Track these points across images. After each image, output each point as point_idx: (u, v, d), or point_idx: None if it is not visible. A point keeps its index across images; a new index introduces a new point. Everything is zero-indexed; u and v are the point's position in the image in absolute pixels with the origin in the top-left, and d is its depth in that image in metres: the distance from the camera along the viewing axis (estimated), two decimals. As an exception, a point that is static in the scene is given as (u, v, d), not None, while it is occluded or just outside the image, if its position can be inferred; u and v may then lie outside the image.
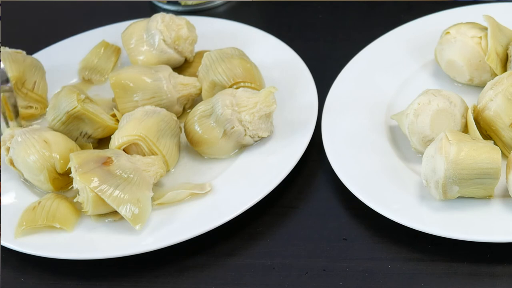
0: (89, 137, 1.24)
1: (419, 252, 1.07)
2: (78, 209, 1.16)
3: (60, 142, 1.20)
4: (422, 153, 1.12)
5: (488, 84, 1.15)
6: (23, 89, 1.31)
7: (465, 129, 1.15)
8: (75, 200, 1.14)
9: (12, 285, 1.12)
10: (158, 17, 1.33)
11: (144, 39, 1.33)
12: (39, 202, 1.16)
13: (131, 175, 1.13)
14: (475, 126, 1.13)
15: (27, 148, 1.18)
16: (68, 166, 1.16)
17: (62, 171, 1.19)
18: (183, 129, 1.23)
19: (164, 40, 1.32)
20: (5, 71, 1.25)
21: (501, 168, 1.06)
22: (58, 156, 1.18)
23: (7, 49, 1.34)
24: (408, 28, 1.35)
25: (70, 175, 1.16)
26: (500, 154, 1.06)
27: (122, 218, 1.13)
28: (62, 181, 1.20)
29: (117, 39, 1.39)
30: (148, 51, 1.32)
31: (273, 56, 1.34)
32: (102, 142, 1.26)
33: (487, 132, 1.15)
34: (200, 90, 1.28)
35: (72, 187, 1.16)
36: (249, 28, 1.40)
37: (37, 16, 1.60)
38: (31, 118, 1.32)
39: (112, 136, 1.20)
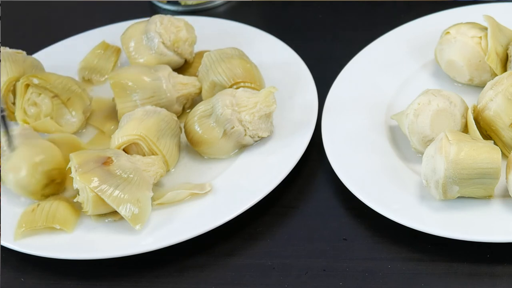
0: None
1: (419, 252, 1.07)
2: (78, 210, 1.16)
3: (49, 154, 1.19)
4: (422, 153, 1.12)
5: (488, 84, 1.15)
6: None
7: (465, 129, 1.15)
8: (75, 200, 1.14)
9: (12, 285, 1.12)
10: (156, 19, 1.33)
11: (143, 42, 1.33)
12: (38, 204, 1.16)
13: (131, 175, 1.13)
14: (475, 126, 1.13)
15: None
16: (68, 166, 1.16)
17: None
18: (183, 129, 1.23)
19: (163, 43, 1.32)
20: None
21: (501, 168, 1.06)
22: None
23: (7, 49, 1.34)
24: (408, 28, 1.35)
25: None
26: (500, 154, 1.06)
27: (122, 218, 1.13)
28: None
29: (117, 39, 1.39)
30: (148, 54, 1.32)
31: (273, 56, 1.34)
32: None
33: (487, 132, 1.15)
34: (200, 89, 1.28)
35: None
36: (249, 28, 1.40)
37: (37, 16, 1.60)
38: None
39: (112, 136, 1.20)
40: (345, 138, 1.19)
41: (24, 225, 1.14)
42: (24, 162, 1.16)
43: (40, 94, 1.26)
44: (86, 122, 1.30)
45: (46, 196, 1.18)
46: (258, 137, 1.20)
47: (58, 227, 1.13)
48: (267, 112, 1.19)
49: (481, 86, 1.23)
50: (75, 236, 1.13)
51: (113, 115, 1.30)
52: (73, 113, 1.27)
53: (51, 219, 1.13)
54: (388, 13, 1.44)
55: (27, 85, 1.26)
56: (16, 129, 1.22)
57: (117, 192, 1.12)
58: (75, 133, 1.29)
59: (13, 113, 1.30)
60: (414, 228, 1.06)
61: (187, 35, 1.33)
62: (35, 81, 1.25)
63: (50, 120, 1.25)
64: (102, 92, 1.36)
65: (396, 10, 1.44)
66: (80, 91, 1.28)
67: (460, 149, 1.05)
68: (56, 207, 1.15)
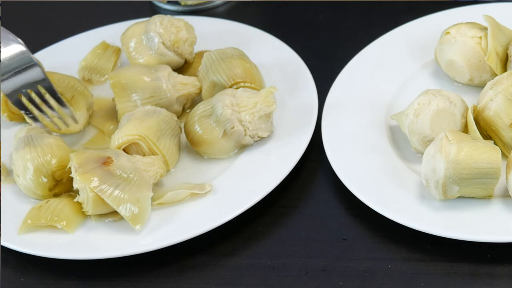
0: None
1: (419, 252, 1.07)
2: (83, 211, 1.16)
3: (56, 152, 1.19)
4: (422, 153, 1.12)
5: (488, 84, 1.15)
6: (23, 90, 1.31)
7: (465, 129, 1.15)
8: (75, 200, 1.14)
9: (12, 285, 1.12)
10: (156, 19, 1.32)
11: (143, 42, 1.32)
12: (47, 201, 1.16)
13: (131, 175, 1.13)
14: (475, 126, 1.13)
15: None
16: (68, 166, 1.16)
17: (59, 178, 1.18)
18: (183, 129, 1.23)
19: (163, 43, 1.31)
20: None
21: (501, 168, 1.06)
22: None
23: (7, 49, 1.34)
24: (408, 28, 1.35)
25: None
26: (500, 154, 1.06)
27: (122, 218, 1.13)
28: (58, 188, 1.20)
29: (117, 39, 1.39)
30: (148, 54, 1.32)
31: (273, 56, 1.34)
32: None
33: (487, 132, 1.15)
34: (200, 89, 1.28)
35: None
36: (249, 28, 1.40)
37: (37, 16, 1.60)
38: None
39: (112, 136, 1.20)
40: (345, 138, 1.19)
41: (29, 221, 1.14)
42: (28, 166, 1.16)
43: (45, 93, 1.26)
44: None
45: (57, 195, 1.18)
46: (258, 137, 1.20)
47: (59, 227, 1.13)
48: (267, 112, 1.19)
49: (481, 86, 1.23)
50: (75, 236, 1.13)
51: (113, 115, 1.30)
52: (78, 111, 1.28)
53: (54, 218, 1.13)
54: (388, 13, 1.44)
55: None
56: (23, 129, 1.22)
57: (117, 192, 1.12)
58: (80, 131, 1.29)
59: (14, 113, 1.30)
60: (414, 228, 1.06)
61: (187, 35, 1.33)
62: None
63: (58, 119, 1.26)
64: (102, 92, 1.36)
65: (396, 10, 1.44)
66: (82, 88, 1.29)
67: (460, 149, 1.05)
68: (62, 206, 1.15)
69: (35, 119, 1.26)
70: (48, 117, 1.25)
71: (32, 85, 1.25)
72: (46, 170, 1.17)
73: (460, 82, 1.26)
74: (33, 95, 1.25)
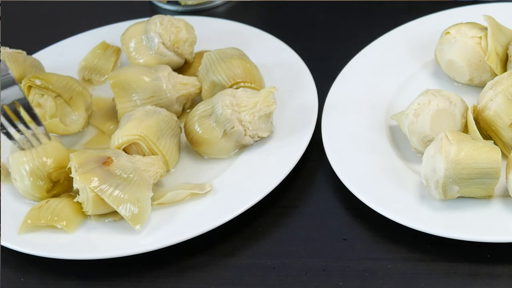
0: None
1: (419, 252, 1.07)
2: (83, 211, 1.16)
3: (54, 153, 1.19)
4: (422, 153, 1.12)
5: (488, 84, 1.15)
6: (23, 90, 1.30)
7: (465, 129, 1.15)
8: (75, 200, 1.14)
9: (12, 285, 1.12)
10: (156, 19, 1.32)
11: (143, 42, 1.32)
12: (47, 201, 1.16)
13: (131, 175, 1.13)
14: (475, 126, 1.13)
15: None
16: (68, 166, 1.16)
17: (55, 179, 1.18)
18: (183, 129, 1.23)
19: (163, 43, 1.31)
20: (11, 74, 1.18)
21: (501, 168, 1.06)
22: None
23: (7, 49, 1.34)
24: (408, 28, 1.35)
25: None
26: (500, 154, 1.06)
27: (122, 218, 1.13)
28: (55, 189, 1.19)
29: (117, 39, 1.39)
30: (148, 54, 1.32)
31: (273, 56, 1.34)
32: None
33: (487, 132, 1.15)
34: (200, 89, 1.28)
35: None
36: (249, 28, 1.40)
37: (37, 16, 1.60)
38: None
39: (112, 136, 1.20)
40: (345, 138, 1.19)
41: (29, 221, 1.14)
42: (23, 170, 1.16)
43: (43, 95, 1.26)
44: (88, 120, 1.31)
45: (56, 196, 1.18)
46: (258, 137, 1.20)
47: (59, 227, 1.13)
48: (267, 112, 1.19)
49: (481, 86, 1.23)
50: (75, 236, 1.13)
51: (113, 115, 1.30)
52: (76, 112, 1.28)
53: (54, 218, 1.13)
54: (388, 13, 1.44)
55: (30, 87, 1.26)
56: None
57: (117, 192, 1.12)
58: (79, 131, 1.29)
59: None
60: (414, 228, 1.06)
61: (187, 36, 1.33)
62: (38, 82, 1.25)
63: (57, 121, 1.26)
64: (102, 92, 1.36)
65: (396, 10, 1.44)
66: (81, 89, 1.28)
67: (460, 149, 1.05)
68: (62, 206, 1.15)
69: (8, 135, 1.18)
70: (22, 133, 1.18)
71: (9, 101, 1.18)
72: (42, 172, 1.16)
73: (460, 82, 1.26)
74: (8, 112, 1.18)
